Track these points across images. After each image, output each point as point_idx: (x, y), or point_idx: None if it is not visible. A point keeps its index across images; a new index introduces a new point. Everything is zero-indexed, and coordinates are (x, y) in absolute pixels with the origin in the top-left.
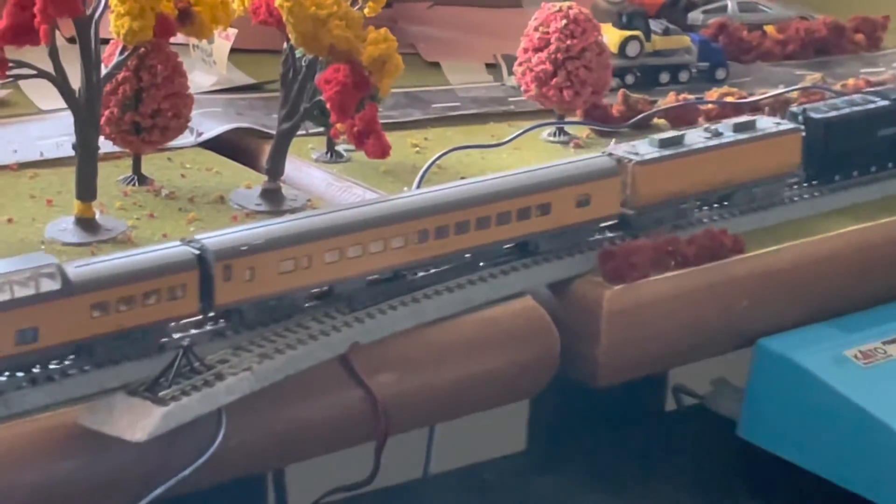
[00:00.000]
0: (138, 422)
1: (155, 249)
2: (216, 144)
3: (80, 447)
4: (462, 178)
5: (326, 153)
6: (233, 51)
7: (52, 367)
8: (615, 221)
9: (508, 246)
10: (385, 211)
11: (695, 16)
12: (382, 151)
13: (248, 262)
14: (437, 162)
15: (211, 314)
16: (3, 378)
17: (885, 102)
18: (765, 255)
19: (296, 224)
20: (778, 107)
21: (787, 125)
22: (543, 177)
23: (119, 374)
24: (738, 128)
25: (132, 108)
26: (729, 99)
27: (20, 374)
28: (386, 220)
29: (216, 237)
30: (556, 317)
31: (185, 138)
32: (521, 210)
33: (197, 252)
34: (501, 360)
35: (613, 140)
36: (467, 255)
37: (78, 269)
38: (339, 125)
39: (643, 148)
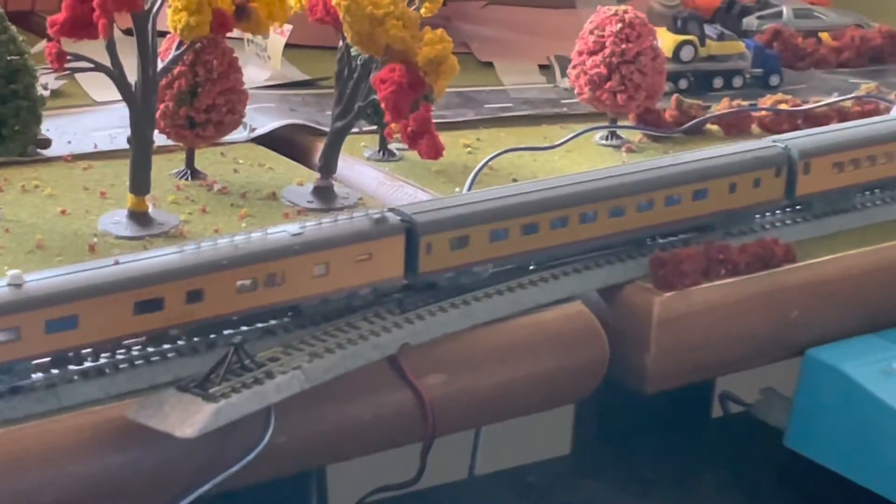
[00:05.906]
0: (188, 418)
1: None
2: (269, 140)
3: (131, 442)
4: (514, 180)
5: (379, 151)
6: (286, 46)
7: (102, 360)
8: None
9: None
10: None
11: (749, 21)
12: (436, 152)
13: (828, 160)
14: (489, 163)
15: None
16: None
17: None
18: (816, 265)
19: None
20: (832, 115)
21: None
22: None
23: None
24: None
25: (187, 103)
26: (783, 106)
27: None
28: None
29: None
30: (605, 322)
31: (239, 133)
32: None
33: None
34: (550, 364)
35: None
36: None
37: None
38: (392, 125)
39: None
